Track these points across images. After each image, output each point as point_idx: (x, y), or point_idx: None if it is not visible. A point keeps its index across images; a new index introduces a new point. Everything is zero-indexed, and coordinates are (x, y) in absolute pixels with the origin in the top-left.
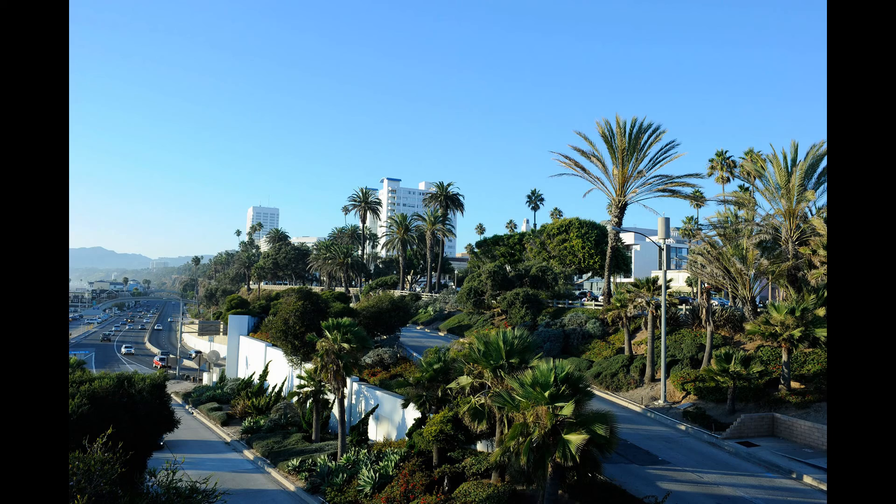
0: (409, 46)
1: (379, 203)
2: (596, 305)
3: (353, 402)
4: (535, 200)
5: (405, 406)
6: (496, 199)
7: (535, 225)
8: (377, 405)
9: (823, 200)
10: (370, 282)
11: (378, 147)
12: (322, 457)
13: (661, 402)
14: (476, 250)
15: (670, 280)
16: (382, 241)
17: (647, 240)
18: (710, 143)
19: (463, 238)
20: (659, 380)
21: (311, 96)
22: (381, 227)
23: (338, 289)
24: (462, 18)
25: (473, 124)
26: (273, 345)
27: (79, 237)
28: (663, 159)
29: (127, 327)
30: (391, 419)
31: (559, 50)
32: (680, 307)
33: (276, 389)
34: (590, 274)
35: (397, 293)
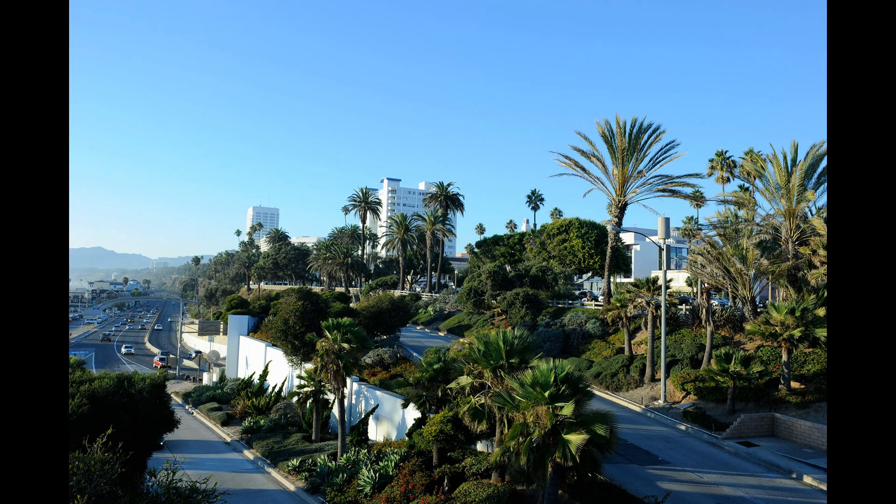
0: (409, 46)
1: (379, 203)
2: (596, 305)
3: (353, 402)
4: (535, 200)
5: (405, 406)
6: (496, 199)
7: (535, 225)
8: (377, 405)
9: (823, 200)
10: (370, 282)
11: (378, 147)
12: (322, 457)
13: (661, 402)
14: (476, 250)
15: (670, 280)
16: (382, 241)
17: (647, 240)
18: (710, 143)
19: (463, 238)
20: (659, 380)
21: (311, 96)
22: (381, 227)
23: (338, 289)
24: (462, 18)
25: (473, 124)
26: (273, 345)
27: (79, 237)
28: (663, 159)
29: (127, 327)
30: (391, 419)
31: (559, 50)
32: (680, 307)
33: (276, 389)
34: (590, 274)
35: (397, 293)
